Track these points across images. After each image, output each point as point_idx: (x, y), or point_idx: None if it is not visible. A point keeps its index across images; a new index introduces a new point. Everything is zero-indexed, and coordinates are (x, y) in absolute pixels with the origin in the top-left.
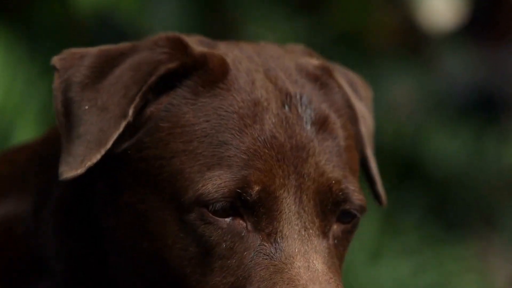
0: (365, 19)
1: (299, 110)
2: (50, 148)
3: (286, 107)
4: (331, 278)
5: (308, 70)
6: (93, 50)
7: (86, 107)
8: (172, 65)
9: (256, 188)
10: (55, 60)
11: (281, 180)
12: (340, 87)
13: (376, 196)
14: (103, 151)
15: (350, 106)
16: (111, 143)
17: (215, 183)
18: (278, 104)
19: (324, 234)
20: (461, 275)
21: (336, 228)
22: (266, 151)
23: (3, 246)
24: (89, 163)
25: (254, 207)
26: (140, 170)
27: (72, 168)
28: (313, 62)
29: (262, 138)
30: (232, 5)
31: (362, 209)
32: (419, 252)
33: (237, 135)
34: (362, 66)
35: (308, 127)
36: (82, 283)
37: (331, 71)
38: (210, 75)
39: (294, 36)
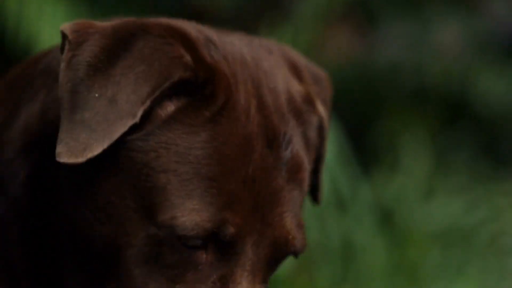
0: None
1: (280, 153)
2: (19, 71)
3: (269, 149)
4: None
5: (295, 104)
6: (106, 28)
7: (96, 95)
8: (185, 75)
9: (232, 230)
10: (67, 30)
11: (251, 226)
12: (318, 116)
13: (315, 199)
14: (106, 145)
15: (321, 134)
16: (115, 139)
17: (193, 219)
18: (263, 143)
19: (265, 281)
20: (511, 210)
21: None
22: (246, 195)
23: None
24: (90, 155)
25: (225, 247)
26: (125, 168)
27: (72, 154)
28: (300, 91)
29: (246, 182)
30: None
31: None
32: (470, 190)
33: (225, 174)
34: (410, 10)
35: (283, 173)
36: (36, 214)
37: (314, 103)
38: (215, 99)
39: None
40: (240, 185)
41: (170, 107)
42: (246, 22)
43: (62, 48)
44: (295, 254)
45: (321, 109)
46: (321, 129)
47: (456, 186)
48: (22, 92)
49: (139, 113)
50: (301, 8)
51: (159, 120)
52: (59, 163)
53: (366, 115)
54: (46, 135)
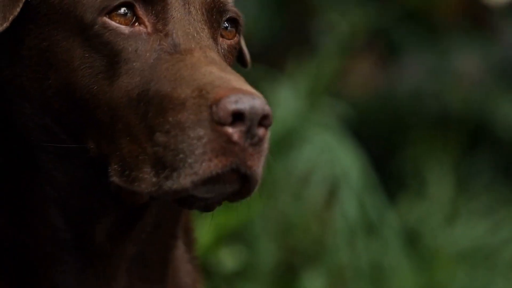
0: None
1: None
2: None
3: None
4: (227, 66)
5: None
6: None
7: None
8: None
9: None
10: None
11: None
12: None
13: (243, 61)
14: (20, 3)
15: None
16: None
17: None
18: None
19: (215, 40)
20: None
21: (221, 41)
22: None
23: None
24: (11, 16)
25: (153, 2)
26: (41, 11)
27: None
28: None
29: None
30: None
31: (239, 16)
32: (492, 212)
33: None
34: (430, 40)
35: None
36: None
37: None
38: None
39: (364, 20)
40: None
41: None
42: (274, 57)
43: None
44: (227, 12)
45: None
46: None
47: (479, 209)
48: None
49: None
50: (325, 41)
51: None
52: None
53: (391, 143)
54: None
